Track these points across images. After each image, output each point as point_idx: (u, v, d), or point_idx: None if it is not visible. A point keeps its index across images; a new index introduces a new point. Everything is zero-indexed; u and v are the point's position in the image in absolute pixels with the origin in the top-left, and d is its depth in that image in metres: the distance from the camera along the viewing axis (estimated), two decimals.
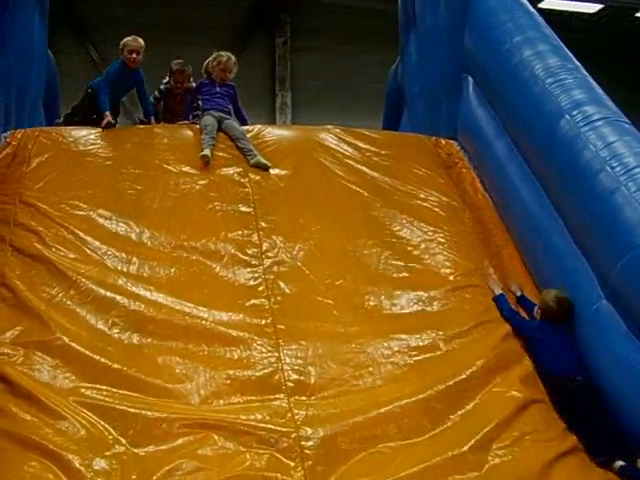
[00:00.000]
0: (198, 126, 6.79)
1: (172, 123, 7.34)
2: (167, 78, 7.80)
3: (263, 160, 6.41)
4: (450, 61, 7.29)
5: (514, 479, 4.27)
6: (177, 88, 7.71)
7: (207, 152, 6.36)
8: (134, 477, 4.06)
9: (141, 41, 6.95)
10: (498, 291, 5.55)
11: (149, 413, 4.42)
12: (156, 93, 7.81)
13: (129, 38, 6.96)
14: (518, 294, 5.60)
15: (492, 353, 5.08)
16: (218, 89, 6.91)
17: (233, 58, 7.08)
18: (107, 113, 6.68)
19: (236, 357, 4.88)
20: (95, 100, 6.88)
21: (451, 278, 5.65)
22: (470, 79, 7.07)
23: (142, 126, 7.06)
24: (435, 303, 5.46)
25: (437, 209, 6.30)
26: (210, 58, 7.06)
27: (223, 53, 7.12)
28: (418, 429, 4.54)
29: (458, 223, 6.21)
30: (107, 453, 4.18)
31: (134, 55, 6.86)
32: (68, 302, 5.08)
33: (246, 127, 6.97)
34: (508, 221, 6.24)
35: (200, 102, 7.02)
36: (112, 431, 4.30)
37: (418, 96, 8.06)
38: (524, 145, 6.04)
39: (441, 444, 4.41)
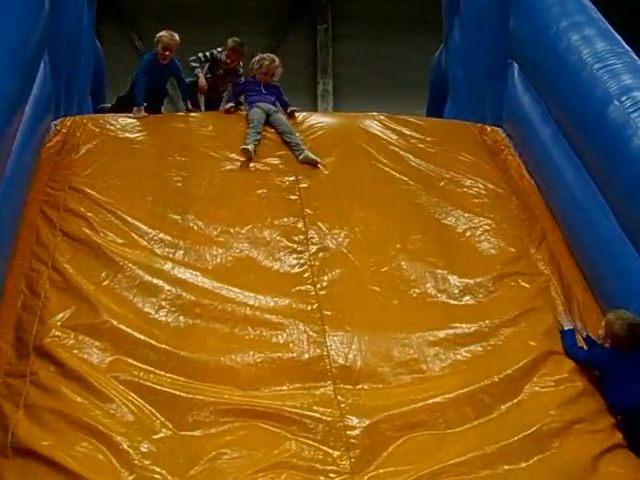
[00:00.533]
0: (244, 112, 6.82)
1: (210, 95, 7.39)
2: (220, 49, 7.52)
3: (312, 155, 6.36)
4: (495, 46, 7.23)
5: (563, 470, 4.23)
6: (226, 64, 7.48)
7: (249, 147, 6.30)
8: (181, 461, 4.12)
9: (177, 38, 6.91)
10: (567, 326, 5.17)
11: (196, 397, 4.48)
12: (201, 56, 7.46)
13: (165, 34, 6.90)
14: (584, 335, 5.13)
15: (538, 343, 5.03)
16: (263, 90, 6.85)
17: (277, 61, 6.98)
18: (138, 108, 6.70)
19: (282, 343, 4.91)
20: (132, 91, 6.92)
21: (497, 265, 5.61)
22: (515, 65, 7.01)
23: (190, 113, 7.02)
24: (481, 291, 5.43)
25: (483, 196, 6.27)
26: (255, 59, 6.98)
27: (267, 56, 7.04)
28: (464, 419, 4.53)
29: (504, 210, 6.17)
30: (154, 437, 4.25)
31: (167, 52, 6.87)
32: (116, 286, 5.15)
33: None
34: (554, 207, 6.20)
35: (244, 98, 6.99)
36: (159, 415, 4.36)
37: (462, 82, 8.01)
38: (571, 131, 5.97)
39: (488, 434, 4.40)
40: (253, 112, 6.66)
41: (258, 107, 6.70)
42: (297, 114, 7.01)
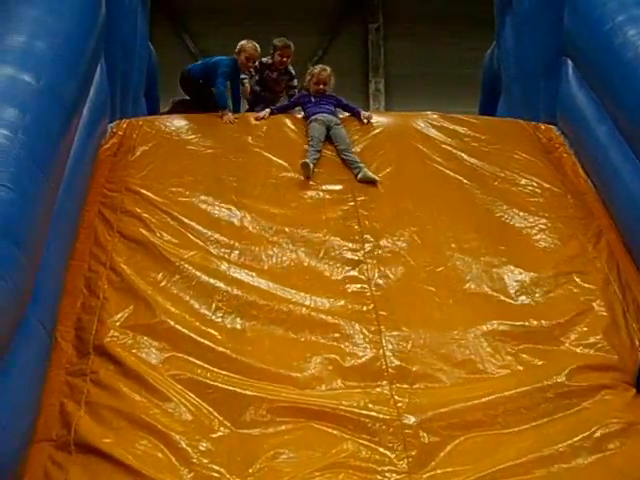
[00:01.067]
0: (300, 115, 6.85)
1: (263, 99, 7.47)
2: (266, 58, 7.65)
3: (370, 174, 6.18)
4: (548, 43, 7.15)
5: (622, 471, 4.16)
6: (280, 63, 7.59)
7: (308, 161, 6.16)
8: (239, 459, 4.15)
9: (259, 49, 7.19)
10: None
11: (253, 395, 4.50)
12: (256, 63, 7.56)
13: (249, 45, 7.12)
14: None
15: (594, 346, 4.97)
16: (319, 101, 6.80)
17: (328, 70, 6.98)
18: (225, 112, 6.82)
19: (337, 343, 4.91)
20: (211, 95, 6.99)
21: (554, 265, 5.55)
22: (569, 62, 6.92)
23: (245, 115, 7.08)
24: (537, 290, 5.37)
25: (538, 195, 6.21)
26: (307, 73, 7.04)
27: (317, 66, 7.11)
28: (521, 419, 4.47)
29: (559, 208, 6.10)
30: (213, 435, 4.28)
31: (250, 63, 7.17)
32: (172, 286, 5.20)
33: (342, 115, 6.98)
34: (611, 206, 6.11)
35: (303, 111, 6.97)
36: (217, 414, 4.40)
37: (515, 80, 7.95)
38: (628, 129, 5.86)
39: (546, 435, 4.34)
40: (313, 128, 6.54)
41: (317, 121, 6.59)
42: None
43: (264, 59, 7.61)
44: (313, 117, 6.64)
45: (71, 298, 5.05)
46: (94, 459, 4.06)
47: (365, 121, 6.82)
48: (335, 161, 6.45)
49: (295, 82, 7.77)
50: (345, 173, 6.31)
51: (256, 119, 6.86)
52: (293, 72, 7.67)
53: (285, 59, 7.56)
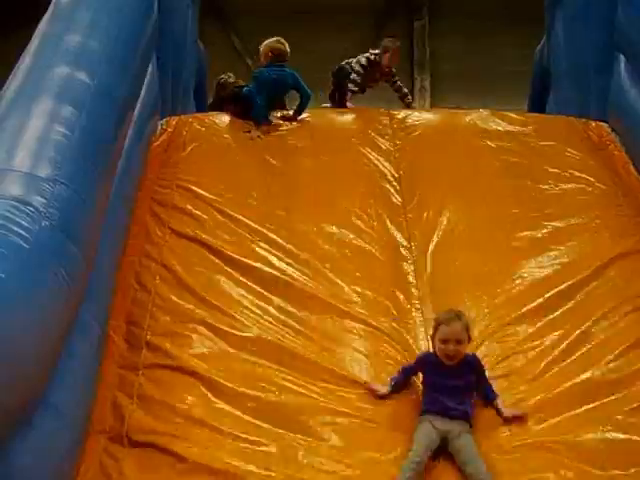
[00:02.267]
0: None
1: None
2: (376, 52, 7.44)
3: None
4: (600, 38, 7.08)
5: None
6: (387, 67, 7.47)
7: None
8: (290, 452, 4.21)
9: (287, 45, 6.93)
10: None
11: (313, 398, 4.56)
12: (364, 61, 7.34)
13: (275, 41, 6.89)
14: None
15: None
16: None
17: None
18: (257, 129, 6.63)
19: (384, 341, 4.92)
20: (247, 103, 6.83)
21: (604, 263, 5.47)
22: (622, 57, 6.83)
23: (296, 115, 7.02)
24: (585, 288, 5.30)
25: (589, 192, 6.13)
26: None
27: None
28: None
29: (611, 206, 6.02)
30: (265, 427, 4.32)
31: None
32: (223, 283, 5.23)
33: (394, 112, 7.00)
34: None
35: None
36: (271, 412, 4.44)
37: (565, 76, 7.85)
38: None
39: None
40: (421, 430, 4.25)
41: (428, 422, 4.26)
42: (399, 111, 6.98)
43: (372, 56, 7.38)
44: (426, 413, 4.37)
45: (123, 293, 5.12)
46: (146, 451, 4.13)
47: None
48: (380, 155, 6.46)
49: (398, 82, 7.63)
50: (394, 172, 6.31)
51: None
52: (394, 71, 7.56)
53: (394, 63, 7.46)
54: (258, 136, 6.56)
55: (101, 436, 4.22)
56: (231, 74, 7.76)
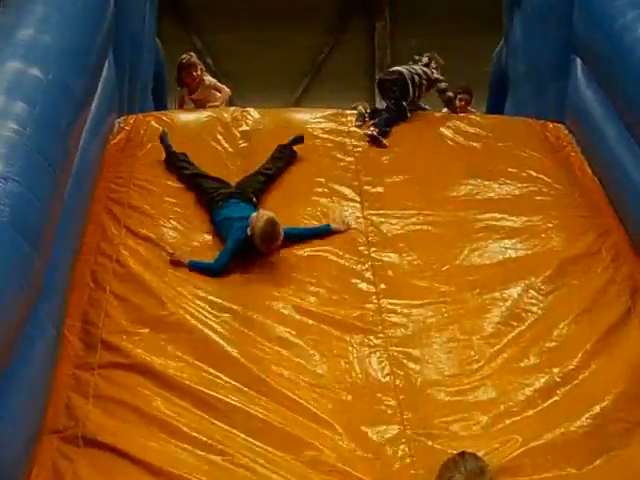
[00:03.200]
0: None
1: None
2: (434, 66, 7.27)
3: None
4: (558, 42, 7.14)
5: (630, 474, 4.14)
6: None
7: None
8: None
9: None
10: None
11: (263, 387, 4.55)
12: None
13: None
14: None
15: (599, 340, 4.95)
16: None
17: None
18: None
19: (342, 346, 4.90)
20: None
21: (560, 263, 5.52)
22: (579, 60, 6.90)
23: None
24: (543, 288, 5.35)
25: (545, 193, 6.18)
26: None
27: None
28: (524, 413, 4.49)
29: (567, 207, 6.08)
30: (224, 426, 4.28)
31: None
32: (179, 280, 5.21)
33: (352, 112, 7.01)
34: (619, 205, 6.09)
35: None
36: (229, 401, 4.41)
37: (523, 79, 7.91)
38: (637, 130, 5.85)
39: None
40: None
41: None
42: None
43: (430, 70, 7.06)
44: None
45: (78, 292, 5.06)
46: (102, 452, 4.06)
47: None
48: (340, 150, 6.47)
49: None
50: (353, 166, 6.35)
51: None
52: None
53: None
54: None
55: (54, 437, 4.15)
56: (192, 54, 7.95)
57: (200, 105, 7.62)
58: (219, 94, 7.74)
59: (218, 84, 7.85)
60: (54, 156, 4.40)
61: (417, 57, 7.31)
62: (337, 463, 4.13)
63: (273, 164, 6.13)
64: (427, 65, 7.21)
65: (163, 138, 6.26)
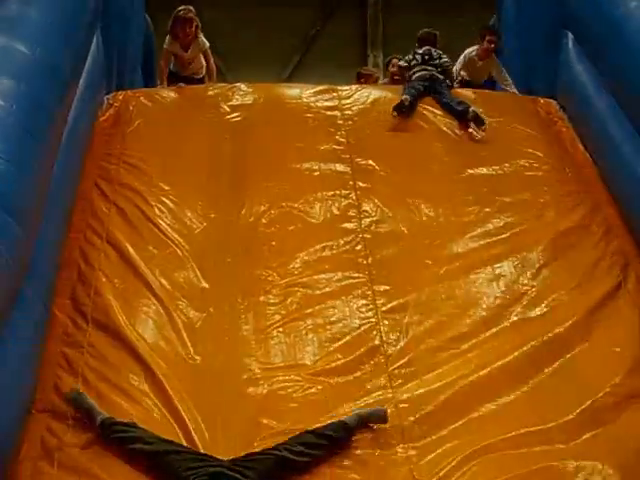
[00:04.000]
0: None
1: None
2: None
3: None
4: (549, 17, 7.11)
5: (620, 447, 4.15)
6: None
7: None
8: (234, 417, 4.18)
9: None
10: None
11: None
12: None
13: None
14: None
15: (590, 312, 4.98)
16: None
17: None
18: None
19: (333, 320, 4.90)
20: None
21: (552, 238, 5.53)
22: (570, 35, 6.88)
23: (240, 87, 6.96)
24: (536, 263, 5.36)
25: (536, 168, 6.16)
26: None
27: None
28: (514, 391, 4.50)
29: (558, 182, 6.07)
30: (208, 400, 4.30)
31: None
32: (166, 261, 5.19)
33: (343, 87, 6.98)
34: (610, 181, 6.08)
35: None
36: (212, 383, 4.42)
37: (515, 53, 7.87)
38: (628, 103, 5.82)
39: (544, 410, 4.36)
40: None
41: None
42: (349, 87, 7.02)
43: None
44: None
45: (68, 270, 5.05)
46: (90, 429, 4.05)
47: None
48: (330, 130, 6.43)
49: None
50: (344, 144, 6.28)
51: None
52: None
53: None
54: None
55: (44, 415, 4.16)
56: (191, 8, 7.31)
57: (183, 66, 7.29)
58: (204, 64, 7.38)
59: (209, 51, 7.38)
60: (40, 132, 4.36)
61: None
62: None
63: (305, 447, 3.99)
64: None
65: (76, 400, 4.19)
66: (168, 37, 7.14)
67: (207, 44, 7.27)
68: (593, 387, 4.47)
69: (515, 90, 7.35)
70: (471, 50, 7.63)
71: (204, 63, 7.38)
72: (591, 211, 5.84)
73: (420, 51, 7.11)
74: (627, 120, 5.82)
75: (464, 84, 7.51)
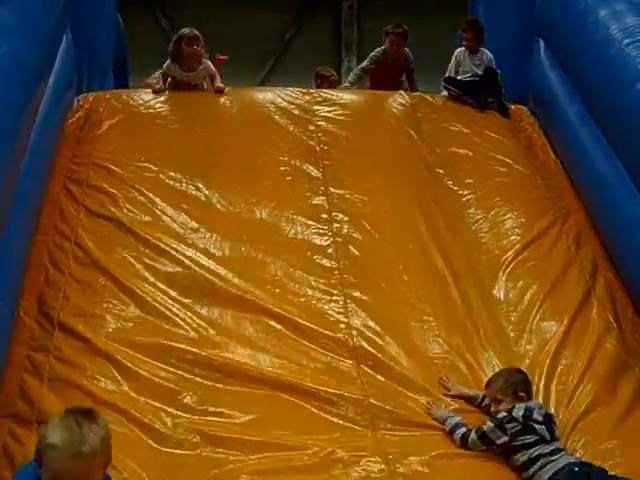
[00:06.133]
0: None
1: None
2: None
3: None
4: (521, 24, 7.20)
5: None
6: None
7: None
8: (207, 430, 4.12)
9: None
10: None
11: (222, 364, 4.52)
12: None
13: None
14: None
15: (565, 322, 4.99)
16: None
17: None
18: None
19: (304, 322, 4.85)
20: None
21: (521, 243, 5.56)
22: (541, 42, 6.93)
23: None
24: (502, 269, 5.37)
25: (506, 174, 6.19)
26: None
27: None
28: None
29: (528, 188, 6.09)
30: (178, 412, 4.22)
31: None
32: (137, 263, 5.13)
33: (318, 90, 6.98)
34: (580, 187, 6.12)
35: None
36: (183, 389, 4.37)
37: None
38: (597, 110, 5.88)
39: None
40: None
41: None
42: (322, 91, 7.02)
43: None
44: None
45: (35, 273, 4.97)
46: None
47: None
48: (304, 134, 6.40)
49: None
50: (315, 148, 6.26)
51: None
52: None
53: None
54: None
55: (7, 420, 4.08)
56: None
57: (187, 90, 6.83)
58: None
59: (217, 75, 6.87)
60: (7, 130, 4.30)
61: None
62: None
63: None
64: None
65: None
66: (168, 62, 6.78)
67: (213, 69, 6.89)
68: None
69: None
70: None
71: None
72: (561, 217, 5.87)
73: None
74: (597, 127, 5.86)
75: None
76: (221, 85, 6.77)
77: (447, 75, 7.16)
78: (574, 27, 6.19)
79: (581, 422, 4.38)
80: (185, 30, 6.80)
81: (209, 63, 6.91)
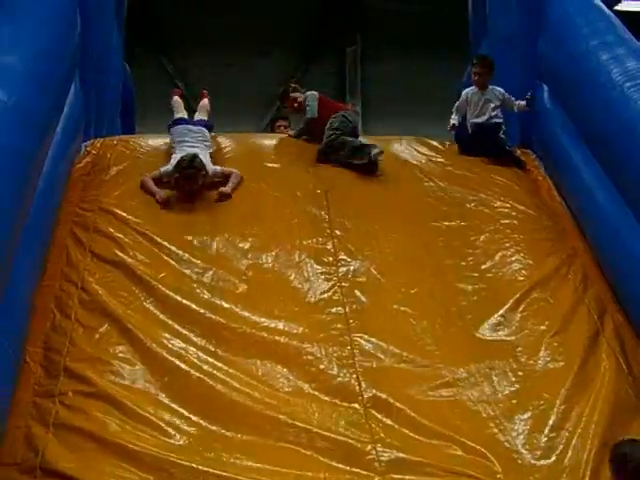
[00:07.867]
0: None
1: None
2: None
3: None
4: (524, 68, 7.23)
5: None
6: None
7: None
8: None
9: None
10: None
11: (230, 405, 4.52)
12: None
13: None
14: None
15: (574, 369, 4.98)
16: None
17: None
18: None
19: (312, 370, 4.86)
20: None
21: (529, 287, 5.55)
22: (545, 86, 6.98)
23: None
24: (512, 313, 5.36)
25: (513, 217, 6.21)
26: None
27: None
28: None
29: (535, 231, 6.11)
30: (186, 460, 4.18)
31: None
32: (145, 308, 5.14)
33: None
34: (586, 229, 6.13)
35: None
36: (190, 438, 4.35)
37: None
38: (601, 152, 5.91)
39: None
40: None
41: None
42: None
43: None
44: None
45: (41, 318, 4.96)
46: None
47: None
48: (309, 180, 6.44)
49: None
50: (321, 195, 6.28)
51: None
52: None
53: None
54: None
55: (11, 468, 4.04)
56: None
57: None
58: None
59: (232, 175, 6.30)
60: (16, 179, 4.33)
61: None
62: None
63: None
64: None
65: None
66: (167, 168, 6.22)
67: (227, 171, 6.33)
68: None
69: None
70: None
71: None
72: (567, 258, 5.86)
73: None
74: (602, 169, 5.88)
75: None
76: (227, 190, 6.17)
77: (454, 114, 7.14)
78: (575, 71, 6.26)
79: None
80: (184, 162, 6.06)
81: (217, 170, 6.32)
